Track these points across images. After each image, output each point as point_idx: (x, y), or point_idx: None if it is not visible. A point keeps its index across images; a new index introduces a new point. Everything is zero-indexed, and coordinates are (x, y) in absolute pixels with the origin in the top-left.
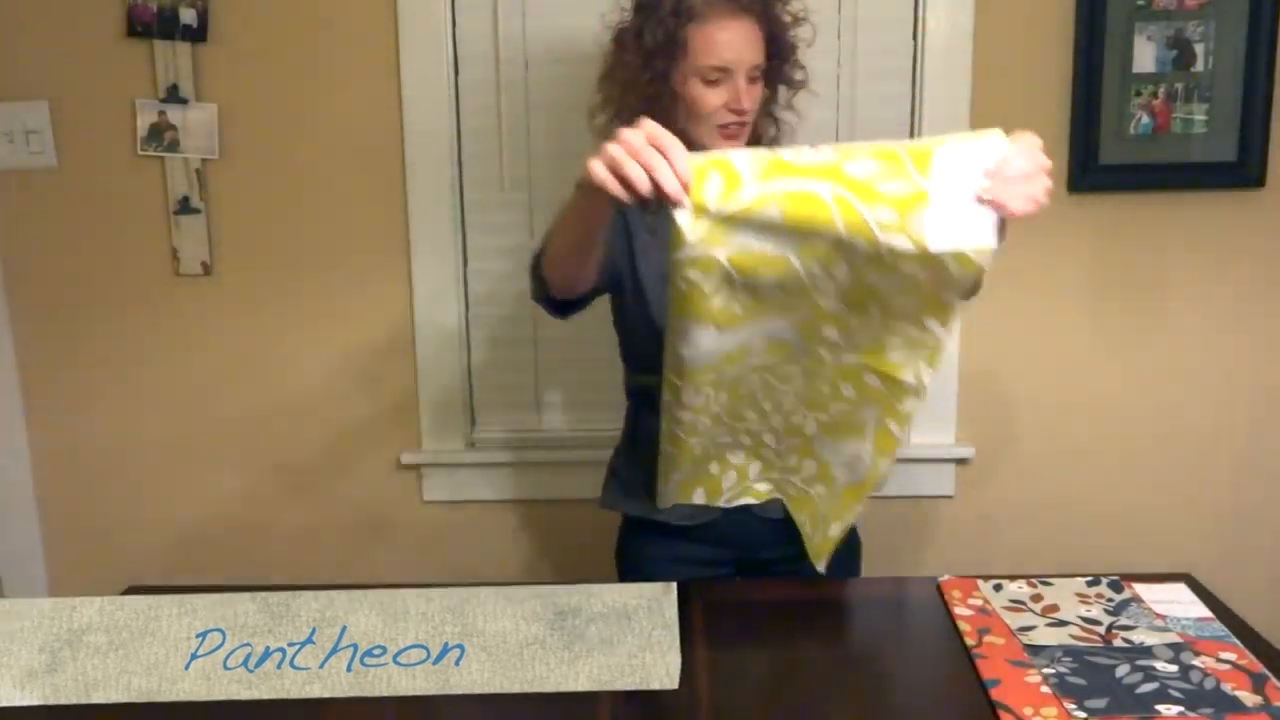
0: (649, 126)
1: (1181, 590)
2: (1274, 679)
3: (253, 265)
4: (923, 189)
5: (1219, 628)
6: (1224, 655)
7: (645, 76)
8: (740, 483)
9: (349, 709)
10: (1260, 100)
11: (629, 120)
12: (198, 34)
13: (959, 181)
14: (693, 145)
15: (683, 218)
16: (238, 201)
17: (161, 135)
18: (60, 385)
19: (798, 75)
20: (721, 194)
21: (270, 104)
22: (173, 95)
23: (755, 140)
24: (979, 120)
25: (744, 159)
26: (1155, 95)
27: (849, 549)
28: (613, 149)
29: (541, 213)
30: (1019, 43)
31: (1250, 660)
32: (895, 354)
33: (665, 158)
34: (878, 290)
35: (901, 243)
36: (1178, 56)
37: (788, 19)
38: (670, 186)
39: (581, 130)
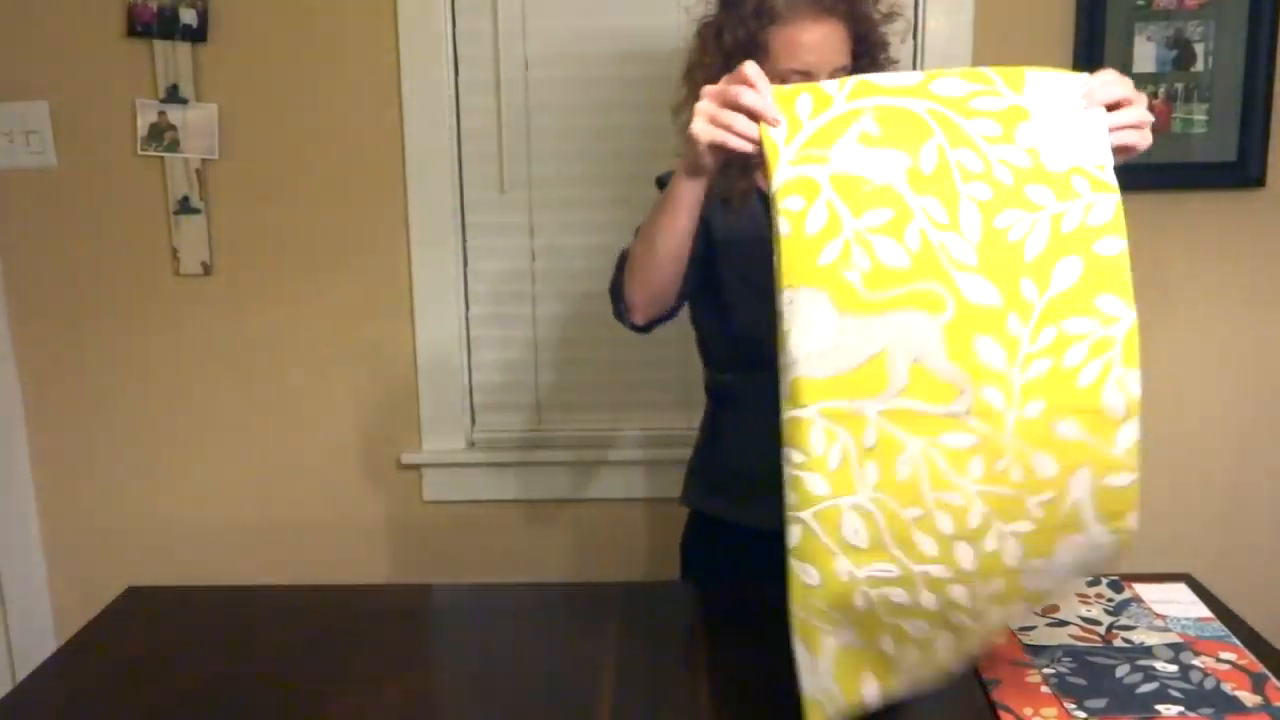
0: (728, 76)
1: (1181, 590)
2: (1274, 679)
3: (253, 265)
4: (1021, 105)
5: (1219, 628)
6: (1224, 655)
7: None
8: (926, 662)
9: None
10: (1260, 100)
11: None
12: (198, 34)
13: (1056, 102)
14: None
15: (777, 133)
16: (238, 201)
17: (161, 135)
18: (60, 385)
19: (888, 70)
20: (813, 110)
21: (270, 104)
22: (173, 95)
23: None
24: None
25: (830, 83)
26: (1155, 95)
27: None
28: (700, 105)
29: (541, 213)
30: (1019, 43)
31: (1250, 660)
32: (1085, 375)
33: (748, 86)
34: (1020, 245)
35: (1014, 155)
36: (1178, 56)
37: (877, 16)
38: (757, 103)
39: (581, 130)
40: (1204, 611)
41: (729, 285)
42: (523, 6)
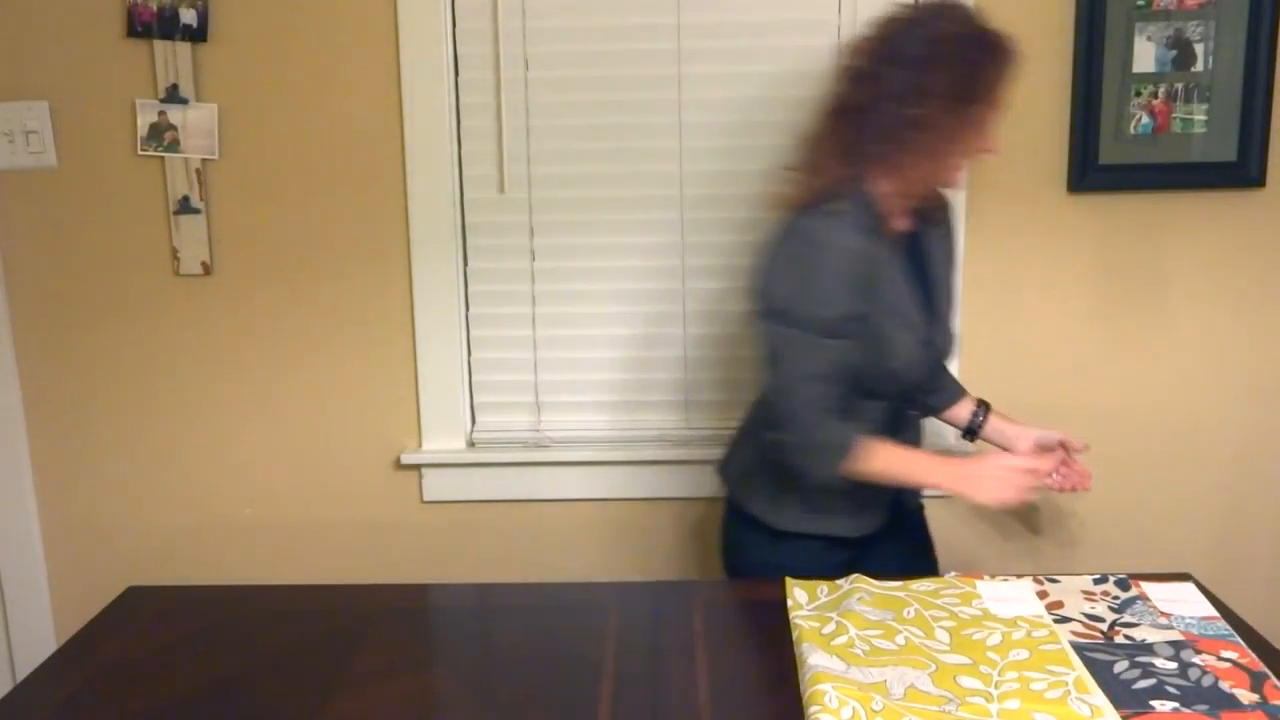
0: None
1: (1189, 589)
2: (1273, 678)
3: (253, 265)
4: (971, 590)
5: (1223, 626)
6: (1225, 654)
7: (957, 114)
8: None
9: None
10: (1260, 100)
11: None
12: (198, 34)
13: (999, 588)
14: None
15: (802, 596)
16: (238, 201)
17: (161, 135)
18: (60, 385)
19: None
20: (828, 591)
21: (270, 104)
22: (173, 95)
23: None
24: None
25: (840, 580)
26: (1155, 95)
27: (923, 552)
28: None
29: (541, 213)
30: (1019, 42)
31: (1252, 659)
32: (1050, 694)
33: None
34: (981, 641)
35: (970, 612)
36: (1178, 56)
37: None
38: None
39: (581, 130)
40: (1209, 610)
41: (886, 321)
42: (523, 6)
